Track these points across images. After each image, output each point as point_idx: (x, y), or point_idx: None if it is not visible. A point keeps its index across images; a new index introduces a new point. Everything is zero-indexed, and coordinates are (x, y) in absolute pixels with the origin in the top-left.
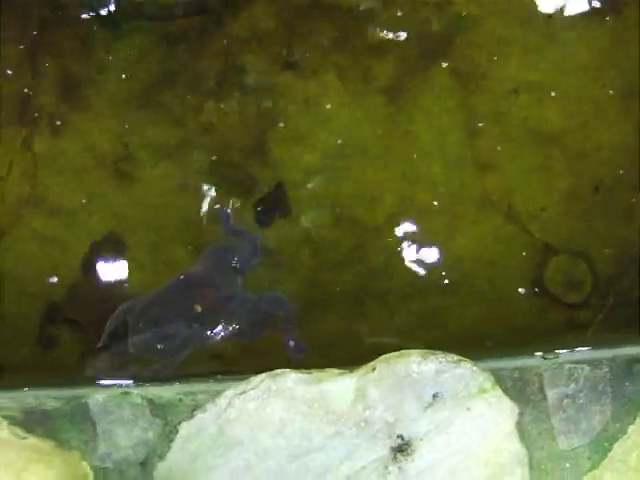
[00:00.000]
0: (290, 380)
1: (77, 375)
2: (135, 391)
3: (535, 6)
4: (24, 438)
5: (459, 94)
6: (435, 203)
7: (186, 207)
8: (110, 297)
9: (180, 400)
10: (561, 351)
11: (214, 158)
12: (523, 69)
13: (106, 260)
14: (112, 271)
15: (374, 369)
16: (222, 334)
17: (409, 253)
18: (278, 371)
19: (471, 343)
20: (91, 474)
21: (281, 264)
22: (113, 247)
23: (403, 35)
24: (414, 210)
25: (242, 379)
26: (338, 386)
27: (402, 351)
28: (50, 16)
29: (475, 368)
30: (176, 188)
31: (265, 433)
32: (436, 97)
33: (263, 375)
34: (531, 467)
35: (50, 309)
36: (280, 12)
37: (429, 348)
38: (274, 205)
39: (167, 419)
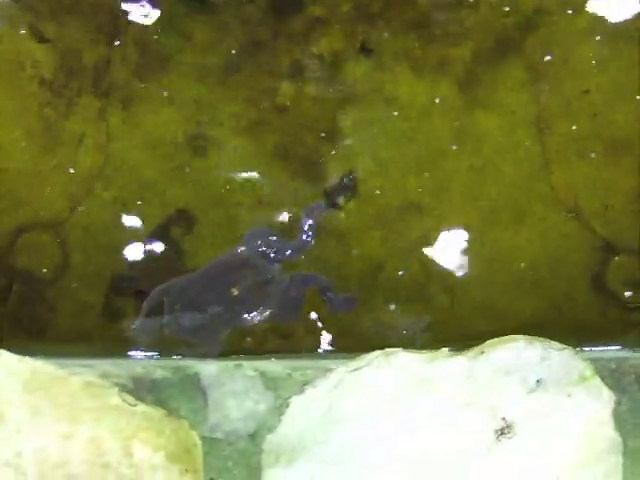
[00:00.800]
0: (402, 359)
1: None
2: (247, 364)
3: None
4: (134, 405)
5: (531, 89)
6: (502, 196)
7: (256, 187)
8: (178, 271)
9: (289, 375)
10: None
11: (287, 139)
12: (595, 69)
13: (175, 235)
14: (181, 246)
15: (482, 352)
16: (258, 317)
17: (473, 244)
18: (390, 350)
19: (522, 333)
20: (200, 444)
21: (349, 248)
22: (184, 222)
23: (479, 26)
24: (481, 202)
25: (349, 357)
26: (448, 367)
27: (509, 336)
28: None
29: (577, 356)
30: (248, 168)
31: (374, 411)
32: (508, 91)
33: (376, 353)
34: (625, 455)
35: (117, 281)
36: None
37: (484, 339)
38: (344, 190)
39: (278, 393)
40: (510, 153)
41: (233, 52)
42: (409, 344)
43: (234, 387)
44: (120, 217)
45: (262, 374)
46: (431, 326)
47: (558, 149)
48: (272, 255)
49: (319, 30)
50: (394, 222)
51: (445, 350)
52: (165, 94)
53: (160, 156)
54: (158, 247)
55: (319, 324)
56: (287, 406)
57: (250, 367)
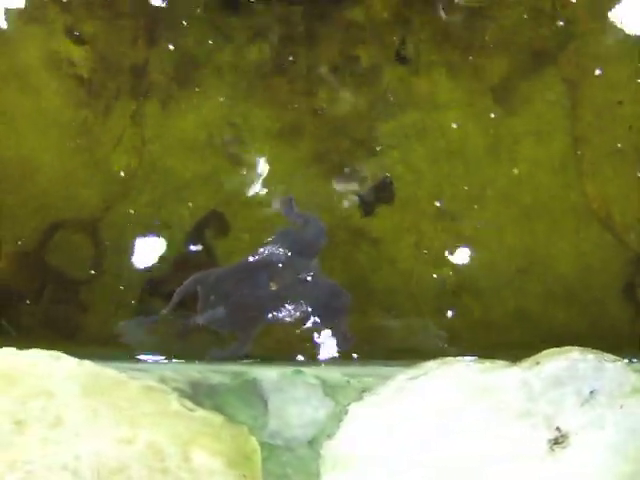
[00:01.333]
0: (460, 368)
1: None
2: (308, 370)
3: None
4: (193, 411)
5: (566, 100)
6: (536, 206)
7: (290, 192)
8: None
9: (348, 382)
10: None
11: (322, 144)
12: (629, 81)
13: (209, 237)
14: (214, 248)
15: (537, 363)
16: (294, 315)
17: (506, 253)
18: (449, 358)
19: (561, 343)
20: (259, 450)
21: (382, 254)
22: (217, 225)
23: (516, 37)
24: (516, 211)
25: (407, 364)
26: (504, 377)
27: (564, 347)
28: None
29: (629, 368)
30: (283, 171)
31: (431, 419)
32: (544, 101)
33: (435, 362)
34: None
35: (151, 283)
36: (396, 4)
37: (520, 346)
38: (378, 195)
39: (337, 400)
40: (545, 163)
41: (269, 55)
42: (440, 351)
43: (295, 394)
44: (155, 218)
45: (323, 381)
46: (462, 333)
47: (592, 160)
48: (307, 249)
49: (356, 35)
50: (427, 229)
51: (499, 361)
52: (201, 97)
53: (195, 158)
54: (192, 249)
55: (350, 331)
56: (346, 413)
57: (311, 374)
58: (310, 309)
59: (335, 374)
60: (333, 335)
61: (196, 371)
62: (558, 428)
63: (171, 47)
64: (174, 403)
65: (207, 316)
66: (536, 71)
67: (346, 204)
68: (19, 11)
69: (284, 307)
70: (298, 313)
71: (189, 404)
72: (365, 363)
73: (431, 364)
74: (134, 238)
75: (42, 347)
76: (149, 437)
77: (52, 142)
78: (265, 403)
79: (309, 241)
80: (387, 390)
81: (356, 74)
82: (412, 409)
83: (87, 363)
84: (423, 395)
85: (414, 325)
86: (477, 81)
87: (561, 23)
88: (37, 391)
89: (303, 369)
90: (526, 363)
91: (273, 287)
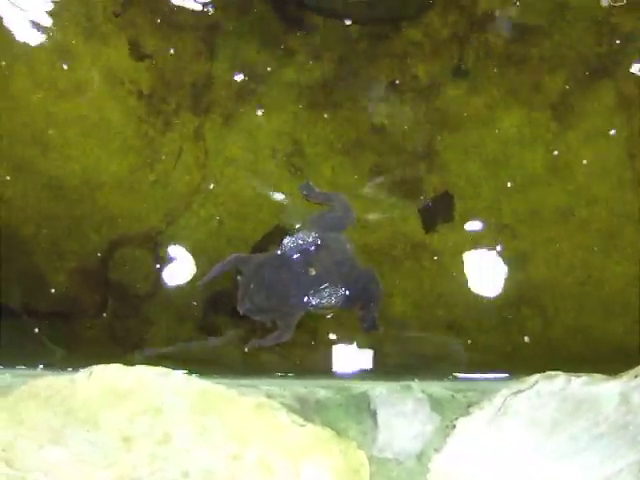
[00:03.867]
0: (562, 382)
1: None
2: (416, 385)
3: None
4: (303, 426)
5: (622, 115)
6: (593, 220)
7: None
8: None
9: (452, 396)
10: None
11: (383, 159)
12: None
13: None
14: None
15: (636, 376)
16: (333, 299)
17: (564, 267)
18: (551, 373)
19: (616, 356)
20: (367, 463)
21: (443, 270)
22: (281, 239)
23: (573, 53)
24: (572, 225)
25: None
26: (604, 390)
27: None
28: (228, 4)
29: None
30: (344, 187)
31: (536, 432)
32: (600, 116)
33: (537, 376)
34: None
35: (214, 297)
36: (455, 22)
37: (577, 361)
38: (438, 210)
39: (444, 414)
40: (602, 177)
41: (331, 72)
42: (499, 365)
43: (404, 408)
44: (217, 234)
45: (430, 396)
46: (524, 348)
47: None
48: (339, 227)
49: (415, 53)
50: (487, 244)
51: (598, 375)
52: (264, 112)
53: (257, 174)
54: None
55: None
56: (453, 427)
57: (418, 388)
58: (348, 292)
59: (439, 388)
60: (363, 318)
61: (302, 386)
62: None
63: (233, 63)
64: (284, 418)
65: (247, 305)
66: (593, 87)
67: (407, 217)
68: (81, 27)
69: (324, 292)
70: (336, 298)
71: (299, 419)
72: (466, 378)
73: (533, 378)
74: (197, 253)
75: (104, 361)
76: (259, 453)
77: (113, 157)
78: (374, 417)
79: (337, 216)
80: (491, 405)
81: (415, 90)
82: (517, 423)
83: (195, 379)
84: (524, 410)
85: (477, 340)
86: (535, 97)
87: (618, 39)
88: (145, 407)
89: (412, 384)
90: (625, 377)
91: (312, 272)
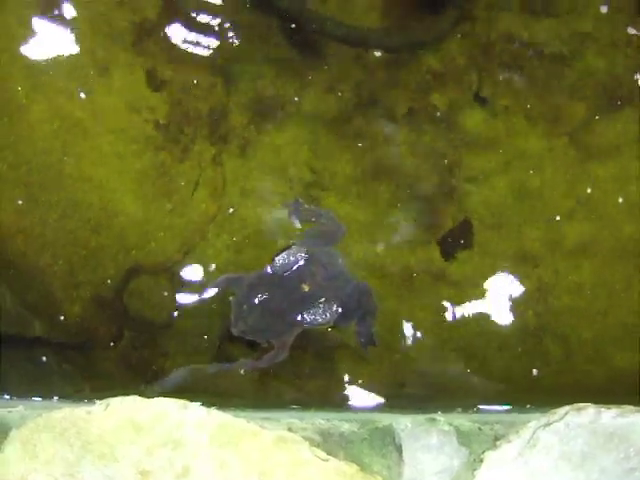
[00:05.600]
0: (592, 414)
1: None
2: (442, 418)
3: None
4: (326, 460)
5: None
6: (616, 249)
7: (371, 233)
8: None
9: (479, 429)
10: None
11: (402, 188)
12: None
13: None
14: None
15: None
16: (328, 315)
17: (586, 296)
18: (581, 405)
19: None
20: None
21: (463, 297)
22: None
23: (594, 80)
24: (595, 255)
25: (541, 410)
26: (636, 422)
27: None
28: (244, 33)
29: None
30: (363, 216)
31: (566, 466)
32: (622, 144)
33: (566, 408)
34: None
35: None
36: (472, 50)
37: (602, 392)
38: (458, 240)
39: (472, 447)
40: (623, 207)
41: (349, 100)
42: (519, 393)
43: (430, 442)
44: (234, 263)
45: (456, 429)
46: (546, 377)
47: None
48: (326, 241)
49: (433, 80)
50: (508, 272)
51: (630, 406)
52: (281, 141)
53: (274, 203)
54: None
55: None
56: (481, 461)
57: (444, 421)
58: (342, 308)
59: (465, 421)
60: (360, 333)
61: (323, 419)
62: None
63: (249, 92)
64: (306, 453)
65: (241, 326)
66: (614, 114)
67: (426, 247)
68: (99, 56)
69: (318, 308)
70: (330, 314)
71: (322, 454)
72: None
73: (563, 410)
74: (213, 282)
75: (119, 393)
76: None
77: (131, 186)
78: (399, 451)
79: (329, 230)
80: (519, 438)
81: (434, 118)
82: (546, 457)
83: (215, 412)
84: (554, 443)
85: (494, 368)
86: (555, 124)
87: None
88: (164, 440)
89: (437, 417)
90: None
91: (305, 288)
